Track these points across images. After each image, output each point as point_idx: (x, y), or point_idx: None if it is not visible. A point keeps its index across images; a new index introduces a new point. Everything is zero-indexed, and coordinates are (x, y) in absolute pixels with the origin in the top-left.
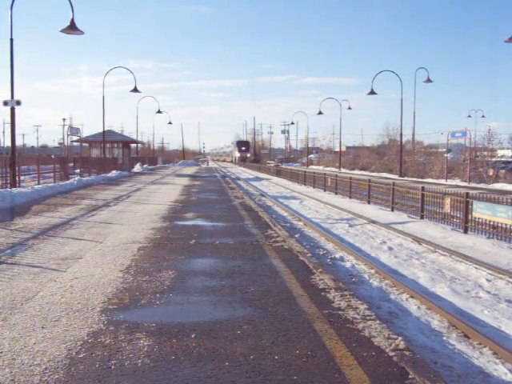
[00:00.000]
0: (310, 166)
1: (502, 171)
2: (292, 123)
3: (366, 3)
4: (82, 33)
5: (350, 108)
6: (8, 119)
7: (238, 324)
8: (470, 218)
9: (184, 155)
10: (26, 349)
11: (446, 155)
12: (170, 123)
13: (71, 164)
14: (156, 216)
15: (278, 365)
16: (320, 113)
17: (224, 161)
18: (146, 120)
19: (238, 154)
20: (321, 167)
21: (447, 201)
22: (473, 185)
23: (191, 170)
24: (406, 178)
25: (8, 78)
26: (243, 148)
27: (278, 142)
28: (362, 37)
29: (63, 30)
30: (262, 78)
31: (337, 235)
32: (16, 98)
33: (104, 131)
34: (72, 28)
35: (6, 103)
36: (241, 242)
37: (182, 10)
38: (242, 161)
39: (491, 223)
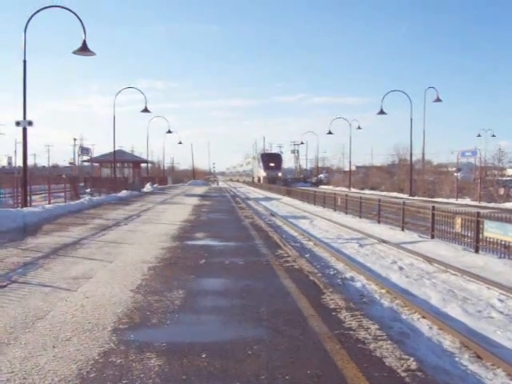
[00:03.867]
0: (320, 186)
1: None
2: (302, 143)
3: (375, 22)
4: (93, 54)
5: (359, 128)
6: (20, 139)
7: (249, 344)
8: (481, 237)
9: (194, 175)
10: (37, 368)
11: (456, 174)
12: (180, 143)
13: (82, 183)
14: (166, 236)
15: None
16: (330, 132)
17: (244, 182)
18: (156, 140)
19: (263, 173)
20: (331, 186)
21: (458, 220)
22: (483, 204)
23: (201, 190)
24: (416, 198)
25: (21, 97)
26: (272, 164)
27: (288, 162)
28: (372, 56)
29: (75, 52)
30: (272, 98)
31: (347, 255)
32: (28, 118)
33: (114, 151)
34: (84, 50)
35: (18, 123)
36: (251, 261)
37: (192, 28)
38: (272, 182)
39: (503, 243)
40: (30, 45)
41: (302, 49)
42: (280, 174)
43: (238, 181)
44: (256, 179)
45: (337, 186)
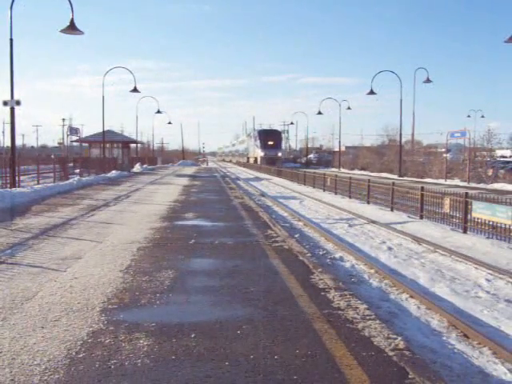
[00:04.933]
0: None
1: (502, 171)
2: (292, 123)
3: (366, 2)
4: (81, 33)
5: (349, 108)
6: (8, 119)
7: (238, 324)
8: (469, 218)
9: (184, 155)
10: (26, 349)
11: (445, 155)
12: (169, 123)
13: (71, 164)
14: (155, 216)
15: (277, 364)
16: (319, 113)
17: (236, 163)
18: (145, 120)
19: (260, 153)
20: (334, 168)
21: (446, 201)
22: (472, 185)
23: (191, 170)
24: (405, 178)
25: (8, 77)
26: (271, 142)
27: None
28: (362, 36)
29: (63, 31)
30: (262, 78)
31: (336, 235)
32: (16, 98)
33: (104, 131)
34: (72, 28)
35: (5, 103)
36: (240, 241)
37: (183, 8)
38: (271, 163)
39: (491, 223)
40: (17, 27)
41: (292, 29)
42: (280, 154)
43: (230, 161)
44: (252, 160)
45: (327, 166)
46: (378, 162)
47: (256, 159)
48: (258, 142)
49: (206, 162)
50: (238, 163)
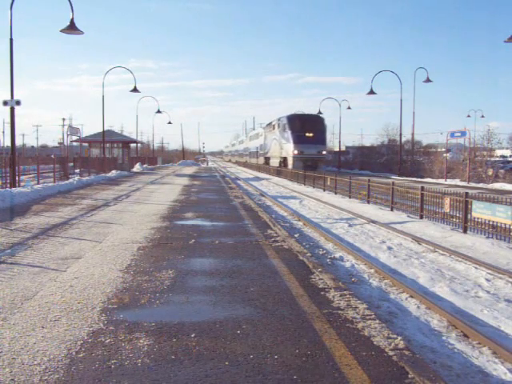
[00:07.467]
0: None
1: (501, 171)
2: None
3: (366, 3)
4: (81, 33)
5: (349, 108)
6: (8, 119)
7: (238, 323)
8: (469, 217)
9: (184, 155)
10: (26, 348)
11: (445, 155)
12: (169, 123)
13: (71, 164)
14: (155, 216)
15: (277, 364)
16: (319, 113)
17: (245, 164)
18: (146, 119)
19: (293, 150)
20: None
21: (446, 200)
22: (472, 184)
23: (191, 170)
24: (405, 178)
25: (8, 77)
26: (309, 134)
27: None
28: (363, 36)
29: (63, 30)
30: (263, 77)
31: (336, 235)
32: (16, 97)
33: (104, 131)
34: (72, 28)
35: (5, 103)
36: (240, 241)
37: (184, 7)
38: (311, 167)
39: (490, 223)
40: (17, 27)
41: (294, 29)
42: (325, 152)
43: (236, 162)
44: (275, 161)
45: (327, 166)
46: (377, 161)
47: (285, 160)
48: (289, 134)
49: (205, 162)
50: (248, 165)
